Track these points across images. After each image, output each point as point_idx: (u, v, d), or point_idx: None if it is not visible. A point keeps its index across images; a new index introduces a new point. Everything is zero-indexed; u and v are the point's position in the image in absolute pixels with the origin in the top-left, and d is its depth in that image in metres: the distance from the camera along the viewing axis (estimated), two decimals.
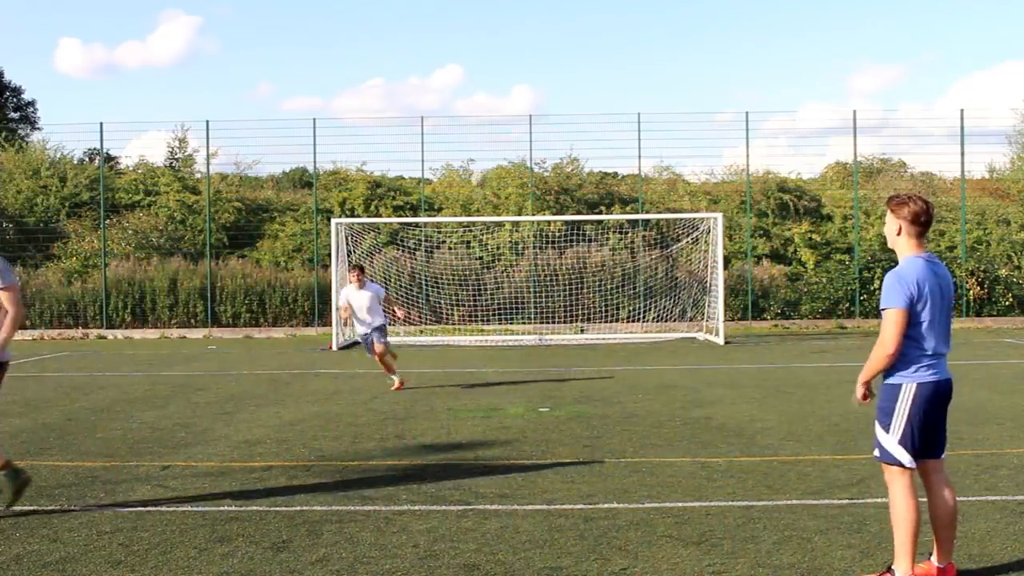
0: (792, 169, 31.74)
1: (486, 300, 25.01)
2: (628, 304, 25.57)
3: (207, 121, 27.82)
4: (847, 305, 26.28)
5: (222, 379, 14.72)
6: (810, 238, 28.56)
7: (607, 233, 27.14)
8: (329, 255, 21.75)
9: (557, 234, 26.21)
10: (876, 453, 4.82)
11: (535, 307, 25.49)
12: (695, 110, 71.52)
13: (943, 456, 4.85)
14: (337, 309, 13.87)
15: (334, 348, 20.51)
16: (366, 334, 13.21)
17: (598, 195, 29.87)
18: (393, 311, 14.86)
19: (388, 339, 13.37)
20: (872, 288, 26.11)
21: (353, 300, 13.08)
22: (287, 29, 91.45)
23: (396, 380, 13.10)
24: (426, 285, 25.55)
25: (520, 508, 6.39)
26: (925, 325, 4.66)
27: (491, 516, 6.20)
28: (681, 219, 25.43)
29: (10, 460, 6.55)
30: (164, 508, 6.51)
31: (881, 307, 4.70)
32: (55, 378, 15.17)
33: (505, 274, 26.22)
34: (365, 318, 13.05)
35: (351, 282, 13.31)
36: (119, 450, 8.70)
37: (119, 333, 25.87)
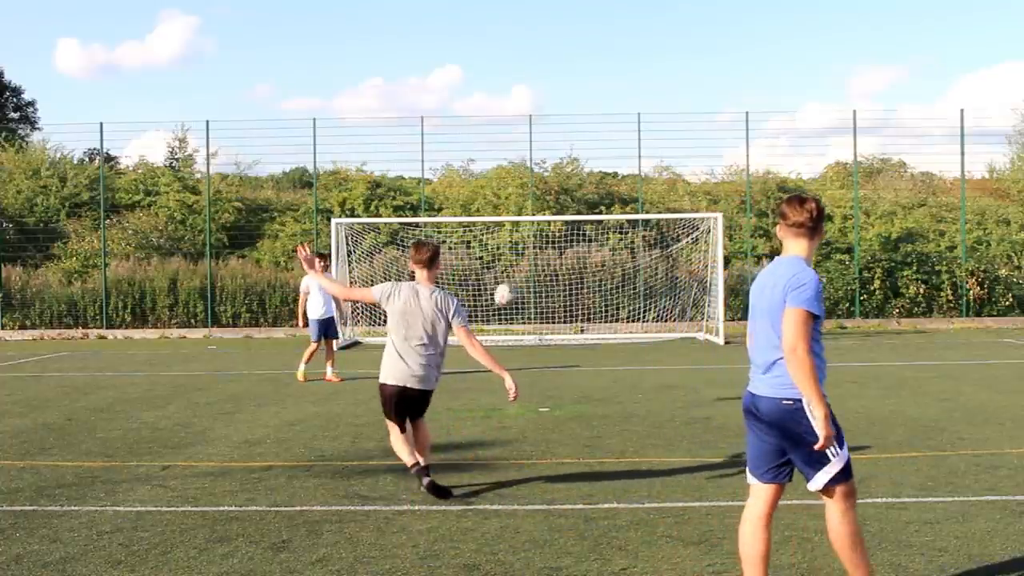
0: (792, 169, 31.83)
1: (486, 300, 24.99)
2: (628, 304, 25.57)
3: (207, 121, 27.87)
4: (847, 305, 26.27)
5: (222, 379, 14.72)
6: None
7: (607, 233, 27.13)
8: (329, 255, 21.75)
9: (557, 234, 26.20)
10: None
11: (535, 307, 25.49)
12: (695, 110, 71.61)
13: (811, 487, 4.37)
14: (303, 293, 14.30)
15: (334, 348, 20.49)
16: (322, 321, 14.28)
17: (598, 195, 29.87)
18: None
19: (337, 333, 14.82)
20: (872, 288, 26.11)
21: (313, 287, 14.23)
22: (286, 29, 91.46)
23: (332, 372, 14.18)
24: None
25: (520, 508, 6.39)
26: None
27: (491, 516, 6.20)
28: (681, 219, 25.42)
29: None
30: (164, 508, 6.51)
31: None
32: (55, 378, 15.17)
33: (505, 274, 26.21)
34: (321, 307, 14.20)
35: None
36: (119, 450, 8.70)
37: (119, 333, 25.87)
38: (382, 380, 6.84)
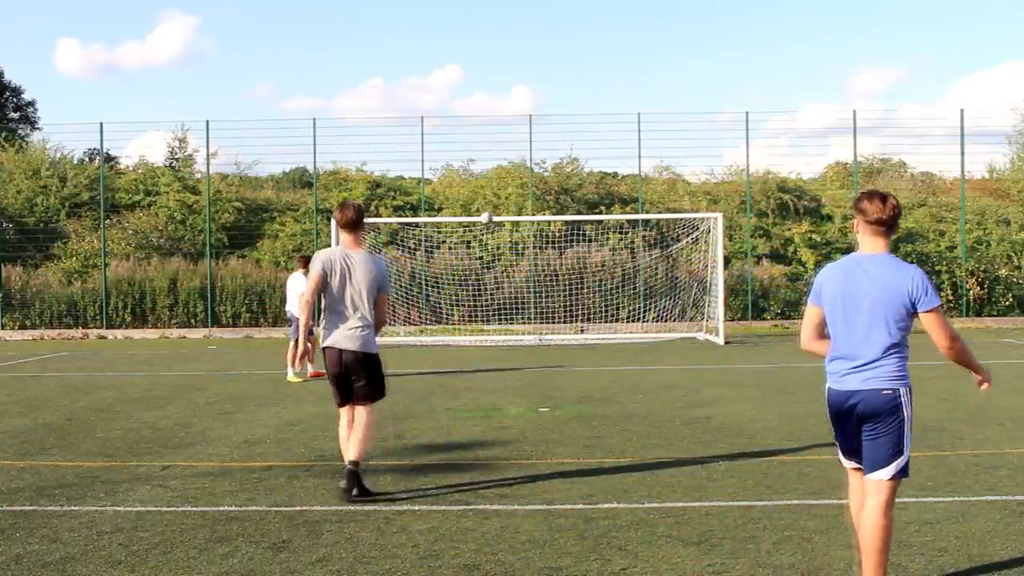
0: (792, 169, 31.70)
1: (486, 300, 24.99)
2: (628, 304, 25.56)
3: (207, 121, 27.86)
4: None
5: (222, 379, 14.72)
6: (810, 238, 28.54)
7: (607, 233, 27.12)
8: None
9: (557, 234, 26.19)
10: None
11: (535, 307, 25.48)
12: (695, 110, 71.60)
13: (873, 476, 4.52)
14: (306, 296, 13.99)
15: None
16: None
17: (598, 195, 29.84)
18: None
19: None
20: None
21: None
22: (286, 29, 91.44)
23: (312, 370, 14.33)
24: (426, 285, 25.55)
25: (520, 508, 6.39)
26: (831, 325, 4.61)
27: (491, 516, 6.20)
28: (681, 219, 25.41)
29: None
30: (164, 508, 6.51)
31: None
32: (55, 378, 15.17)
33: (505, 274, 26.20)
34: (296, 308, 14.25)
35: (299, 271, 14.72)
36: (119, 450, 8.70)
37: (119, 333, 25.86)
38: (324, 344, 6.89)
